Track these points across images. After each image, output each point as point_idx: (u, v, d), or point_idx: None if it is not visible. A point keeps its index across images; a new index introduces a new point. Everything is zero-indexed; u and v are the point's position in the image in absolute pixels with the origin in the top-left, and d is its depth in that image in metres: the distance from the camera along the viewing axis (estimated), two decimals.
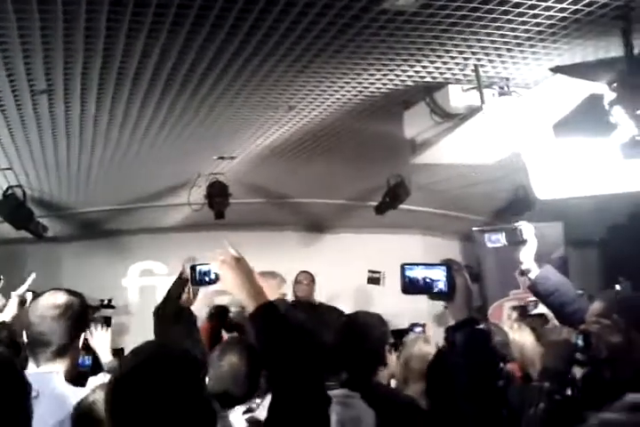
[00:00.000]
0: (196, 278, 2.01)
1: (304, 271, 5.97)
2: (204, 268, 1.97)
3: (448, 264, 1.77)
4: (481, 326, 1.74)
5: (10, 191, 4.56)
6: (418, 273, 1.76)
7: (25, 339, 2.14)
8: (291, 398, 1.46)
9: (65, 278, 6.34)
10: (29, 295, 2.84)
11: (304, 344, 1.53)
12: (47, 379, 1.99)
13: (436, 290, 1.76)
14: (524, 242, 2.49)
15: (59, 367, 2.04)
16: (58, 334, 2.03)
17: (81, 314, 2.10)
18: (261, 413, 1.89)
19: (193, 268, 2.02)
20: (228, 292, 1.69)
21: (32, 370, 2.05)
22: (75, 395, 2.00)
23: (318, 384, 1.53)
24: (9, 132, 3.40)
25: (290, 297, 5.58)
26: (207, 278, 1.97)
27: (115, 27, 2.23)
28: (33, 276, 2.73)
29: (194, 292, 3.13)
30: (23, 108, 3.02)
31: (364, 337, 2.37)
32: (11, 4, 1.96)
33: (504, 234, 2.56)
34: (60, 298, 2.08)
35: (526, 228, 2.50)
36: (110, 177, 4.67)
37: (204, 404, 1.42)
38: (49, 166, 4.20)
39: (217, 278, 1.77)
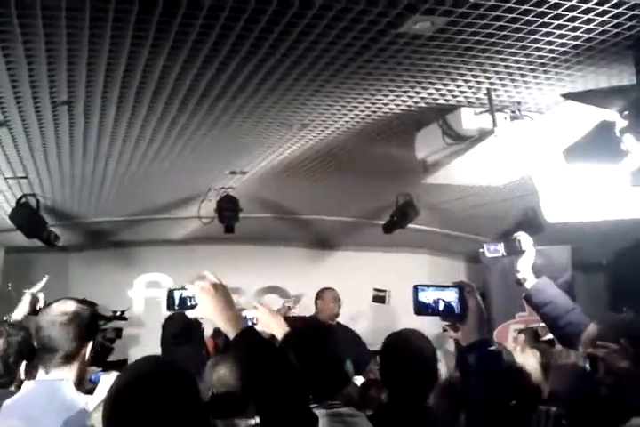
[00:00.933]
0: (174, 304, 1.93)
1: (329, 289, 5.76)
2: (182, 293, 1.91)
3: (461, 286, 1.79)
4: (493, 348, 1.76)
5: (24, 200, 4.63)
6: (430, 294, 1.78)
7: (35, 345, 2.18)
8: (276, 419, 1.48)
9: (73, 287, 6.38)
10: (42, 295, 2.87)
11: (287, 367, 1.54)
12: (57, 386, 2.02)
13: (448, 311, 1.77)
14: (522, 252, 2.51)
15: (67, 375, 2.06)
16: (65, 340, 2.06)
17: (89, 323, 2.13)
18: None
19: (170, 292, 1.94)
20: (207, 318, 1.68)
21: (42, 377, 2.07)
22: (85, 403, 2.02)
23: (303, 405, 1.53)
24: (27, 142, 3.46)
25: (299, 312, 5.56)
26: (185, 303, 1.93)
27: (137, 43, 2.29)
28: (47, 277, 2.79)
29: None
30: (43, 119, 3.08)
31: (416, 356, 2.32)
32: (41, 18, 2.02)
33: (503, 244, 2.58)
34: (70, 306, 2.12)
35: (525, 238, 2.52)
36: (123, 188, 4.73)
37: (202, 420, 1.43)
38: (64, 176, 4.25)
39: (194, 305, 1.75)
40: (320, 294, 5.76)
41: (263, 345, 1.58)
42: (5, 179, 4.22)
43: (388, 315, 6.51)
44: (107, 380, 2.17)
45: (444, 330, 1.84)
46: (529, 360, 3.00)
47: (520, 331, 5.09)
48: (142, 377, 1.43)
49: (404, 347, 2.36)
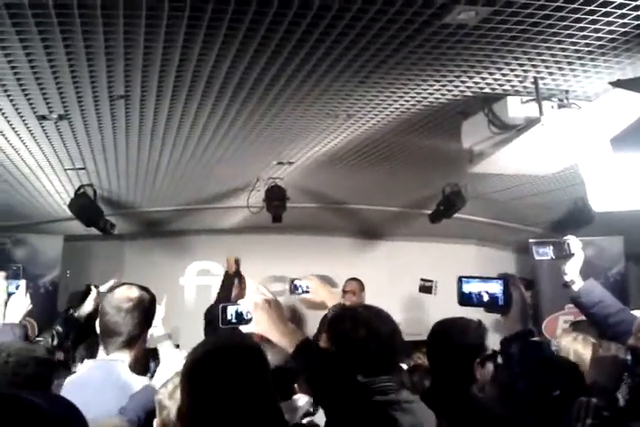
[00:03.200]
0: (227, 319, 1.97)
1: (353, 279, 5.84)
2: (236, 308, 1.95)
3: (505, 278, 1.81)
4: (536, 338, 1.78)
5: (82, 190, 4.84)
6: (474, 286, 1.81)
7: (97, 328, 2.30)
8: (342, 418, 1.55)
9: (126, 274, 6.62)
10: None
11: (344, 371, 1.60)
12: (113, 366, 2.14)
13: (492, 304, 1.80)
14: (571, 255, 2.51)
15: (125, 357, 2.18)
16: (129, 325, 2.18)
17: (150, 309, 2.25)
18: (321, 418, 1.91)
19: (224, 308, 1.98)
20: (262, 334, 1.73)
21: (101, 357, 2.20)
22: (138, 383, 2.14)
23: (364, 399, 1.59)
24: (86, 134, 3.62)
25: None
26: (238, 319, 1.94)
27: (190, 39, 2.38)
28: (117, 278, 2.92)
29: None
30: (101, 112, 3.23)
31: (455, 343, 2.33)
32: (100, 17, 2.14)
33: (552, 247, 2.59)
34: (134, 292, 2.23)
35: (574, 242, 2.53)
36: (175, 179, 4.89)
37: (269, 393, 1.51)
38: (120, 167, 4.43)
39: (249, 320, 1.79)
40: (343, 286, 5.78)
41: (320, 356, 1.64)
42: (65, 170, 4.42)
43: (435, 305, 6.52)
44: (171, 358, 2.29)
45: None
46: (586, 350, 2.97)
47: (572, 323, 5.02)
48: (217, 350, 1.51)
49: (449, 334, 2.39)
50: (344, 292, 5.79)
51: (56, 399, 1.20)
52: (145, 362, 2.73)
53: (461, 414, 2.07)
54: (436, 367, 2.38)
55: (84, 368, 2.26)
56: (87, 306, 2.67)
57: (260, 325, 1.73)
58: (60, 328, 2.66)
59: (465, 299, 1.82)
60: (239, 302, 1.90)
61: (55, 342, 2.62)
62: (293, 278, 2.55)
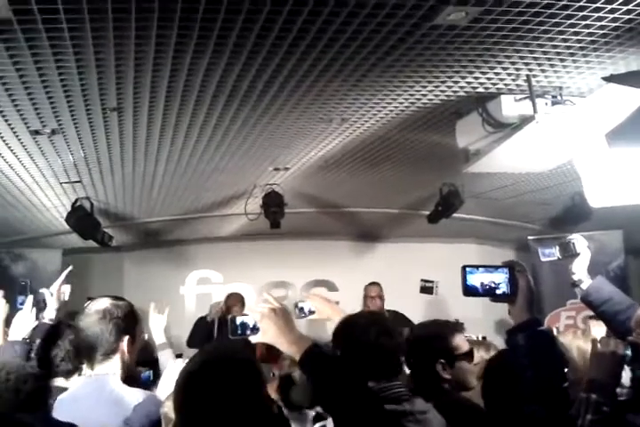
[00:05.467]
0: (236, 330, 1.96)
1: (374, 283, 5.81)
2: (244, 319, 1.94)
3: (511, 265, 1.77)
4: (543, 328, 1.75)
5: (78, 203, 4.82)
6: (479, 276, 1.76)
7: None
8: (352, 425, 1.53)
9: (126, 286, 6.61)
10: (68, 287, 2.91)
11: (354, 377, 1.58)
12: (104, 380, 2.11)
13: (498, 293, 1.75)
14: (577, 255, 2.50)
15: (111, 369, 2.15)
16: (103, 337, 2.15)
17: (122, 318, 2.21)
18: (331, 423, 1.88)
19: (233, 319, 2.03)
20: (270, 343, 1.71)
21: (88, 373, 2.18)
22: (132, 396, 2.11)
23: (375, 409, 1.56)
24: (80, 147, 3.61)
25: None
26: (246, 330, 1.98)
27: (181, 49, 2.38)
28: (70, 268, 2.87)
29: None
30: (94, 125, 3.22)
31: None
32: (90, 31, 2.13)
33: (558, 248, 2.58)
34: (103, 304, 2.21)
35: (580, 241, 2.52)
36: (172, 189, 4.88)
37: (265, 406, 1.49)
38: (115, 179, 4.42)
39: (257, 329, 1.78)
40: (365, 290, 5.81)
41: (328, 362, 1.61)
42: (61, 183, 4.41)
43: (436, 306, 6.51)
44: (174, 369, 2.27)
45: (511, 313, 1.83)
46: (588, 345, 2.96)
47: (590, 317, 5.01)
48: (211, 362, 1.50)
49: (416, 335, 2.38)
50: (368, 297, 5.75)
51: (52, 421, 1.18)
52: (135, 374, 2.71)
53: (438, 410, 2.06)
54: (411, 369, 2.38)
55: (74, 386, 2.24)
56: (50, 309, 2.63)
57: (267, 334, 1.71)
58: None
59: (469, 289, 1.76)
60: (246, 312, 1.90)
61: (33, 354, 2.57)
62: (297, 302, 2.52)
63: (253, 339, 1.86)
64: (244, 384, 1.46)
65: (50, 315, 2.60)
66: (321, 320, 2.42)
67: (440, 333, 2.36)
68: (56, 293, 2.63)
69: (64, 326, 2.55)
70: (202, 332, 5.82)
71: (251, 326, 1.92)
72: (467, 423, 2.04)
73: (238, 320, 1.96)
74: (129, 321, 2.24)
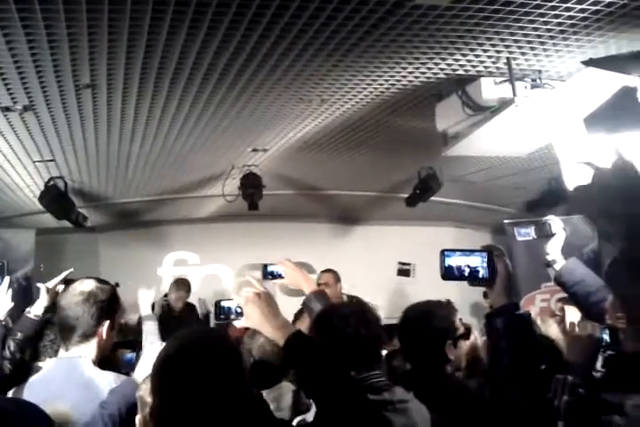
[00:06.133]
0: (220, 314, 1.98)
1: (327, 271, 5.54)
2: (228, 303, 1.96)
3: (489, 250, 1.77)
4: (521, 312, 1.75)
5: (52, 182, 4.73)
6: (458, 259, 1.76)
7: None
8: (334, 413, 1.51)
9: (102, 267, 6.54)
10: (62, 287, 2.91)
11: (337, 366, 1.56)
12: (75, 363, 2.08)
13: (476, 276, 1.75)
14: (552, 235, 2.53)
15: (86, 352, 2.12)
16: (83, 319, 2.12)
17: (106, 302, 2.18)
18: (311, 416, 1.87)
19: (217, 303, 2.01)
20: (254, 327, 1.70)
21: (62, 354, 2.15)
22: (104, 379, 2.09)
23: (358, 398, 1.55)
24: (53, 125, 3.53)
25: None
26: (231, 314, 1.96)
27: (156, 24, 2.32)
28: (70, 270, 2.83)
29: None
30: (67, 102, 3.14)
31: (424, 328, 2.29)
32: (61, 3, 2.06)
33: (534, 228, 2.60)
34: (87, 286, 2.17)
35: (555, 222, 2.54)
36: (147, 169, 4.80)
37: (245, 389, 1.47)
38: (90, 158, 4.33)
39: (241, 314, 1.77)
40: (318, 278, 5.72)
41: (312, 349, 1.60)
42: (33, 162, 4.32)
43: (413, 288, 6.56)
44: (151, 352, 2.24)
45: (486, 296, 1.83)
46: (554, 329, 3.01)
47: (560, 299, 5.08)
48: (189, 346, 1.47)
49: (419, 320, 2.38)
50: (318, 284, 5.69)
51: (23, 403, 1.16)
52: (115, 357, 2.69)
53: (438, 394, 2.06)
54: (409, 352, 2.37)
55: (46, 367, 2.21)
56: (40, 304, 2.58)
57: (251, 319, 1.68)
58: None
59: (448, 273, 1.76)
60: (232, 296, 1.88)
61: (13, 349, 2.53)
62: (266, 264, 2.51)
63: (237, 324, 1.85)
64: (223, 368, 1.44)
65: (37, 311, 2.55)
66: (290, 289, 2.40)
67: (444, 313, 2.38)
68: (52, 289, 2.57)
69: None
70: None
71: (234, 311, 1.91)
72: (471, 411, 2.04)
73: (224, 304, 1.95)
74: (112, 306, 2.21)
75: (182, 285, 5.96)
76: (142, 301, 3.10)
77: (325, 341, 1.86)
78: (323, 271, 5.62)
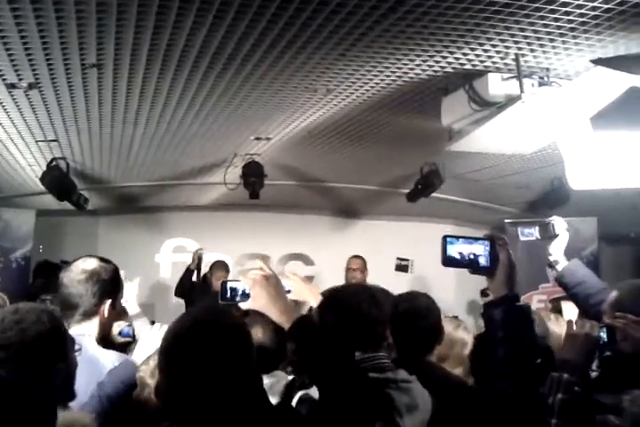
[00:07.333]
0: (226, 295, 1.95)
1: (357, 256, 5.87)
2: (235, 284, 1.94)
3: (492, 238, 1.73)
4: (522, 304, 1.73)
5: (54, 163, 4.73)
6: (459, 247, 1.72)
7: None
8: (337, 395, 1.50)
9: (100, 251, 6.53)
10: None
11: (342, 350, 1.55)
12: (79, 342, 2.09)
13: (477, 265, 1.72)
14: (555, 236, 2.53)
15: (88, 330, 2.13)
16: (85, 297, 2.12)
17: (108, 281, 2.18)
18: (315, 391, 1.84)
19: (223, 284, 1.98)
20: (260, 309, 1.69)
21: None
22: (106, 357, 2.09)
23: (360, 375, 1.55)
24: (57, 105, 3.52)
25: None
26: (237, 296, 1.94)
27: (165, 5, 2.30)
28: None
29: None
30: (73, 82, 3.13)
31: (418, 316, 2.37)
32: None
33: (537, 228, 2.60)
34: (90, 264, 2.17)
35: (559, 222, 2.54)
36: (150, 153, 4.79)
37: (251, 369, 1.46)
38: (93, 139, 4.32)
39: (247, 296, 1.76)
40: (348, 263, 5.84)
41: (318, 333, 1.59)
42: (36, 142, 4.31)
43: (411, 284, 6.56)
44: (150, 334, 2.24)
45: (484, 295, 1.82)
46: (563, 329, 2.99)
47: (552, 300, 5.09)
48: (204, 322, 1.45)
49: (408, 307, 2.41)
50: (350, 269, 5.78)
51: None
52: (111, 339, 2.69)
53: (423, 383, 2.07)
54: (400, 344, 2.38)
55: None
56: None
57: (258, 301, 1.66)
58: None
59: (449, 259, 1.71)
60: (239, 277, 1.87)
61: None
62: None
63: (243, 305, 1.84)
64: (235, 347, 1.43)
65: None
66: (297, 301, 2.40)
67: (435, 306, 2.41)
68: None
69: None
70: (186, 280, 6.26)
71: (240, 292, 1.89)
72: (455, 398, 2.04)
73: (230, 285, 1.93)
74: (114, 285, 2.21)
75: (221, 266, 6.25)
76: (127, 296, 3.05)
77: (335, 319, 1.85)
78: (353, 257, 5.78)
